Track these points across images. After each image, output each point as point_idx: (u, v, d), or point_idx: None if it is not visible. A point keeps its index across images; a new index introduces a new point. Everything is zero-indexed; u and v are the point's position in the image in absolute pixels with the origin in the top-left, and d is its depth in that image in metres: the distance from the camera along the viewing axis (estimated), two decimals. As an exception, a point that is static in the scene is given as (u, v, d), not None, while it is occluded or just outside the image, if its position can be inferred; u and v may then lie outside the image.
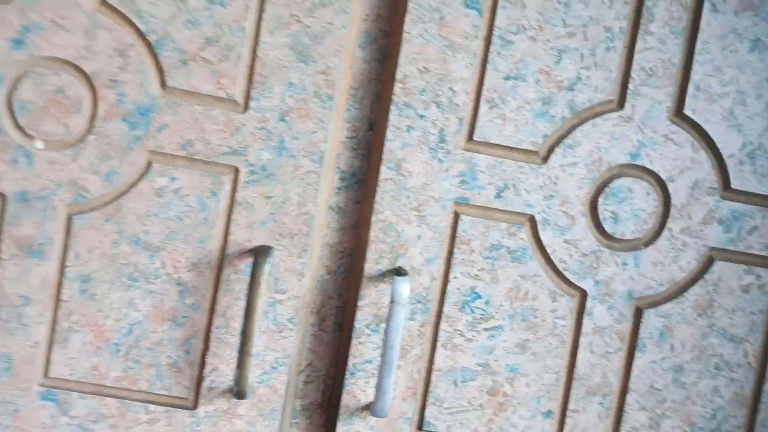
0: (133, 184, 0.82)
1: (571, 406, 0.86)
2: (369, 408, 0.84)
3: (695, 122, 0.83)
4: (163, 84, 0.81)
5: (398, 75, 0.82)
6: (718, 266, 0.85)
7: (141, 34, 0.81)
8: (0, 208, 0.82)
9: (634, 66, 0.83)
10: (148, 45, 0.81)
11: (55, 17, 0.80)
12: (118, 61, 0.81)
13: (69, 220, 0.82)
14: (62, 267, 0.82)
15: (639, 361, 0.86)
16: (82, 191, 0.81)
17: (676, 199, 0.84)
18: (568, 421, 0.87)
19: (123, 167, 0.81)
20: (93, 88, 0.81)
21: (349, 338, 0.84)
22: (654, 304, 0.86)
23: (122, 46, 0.81)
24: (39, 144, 0.82)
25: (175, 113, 0.81)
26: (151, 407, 0.84)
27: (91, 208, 0.82)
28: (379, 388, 0.80)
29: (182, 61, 0.81)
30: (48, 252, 0.82)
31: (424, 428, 0.85)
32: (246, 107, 0.81)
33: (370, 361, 0.84)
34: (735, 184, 0.84)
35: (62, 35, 0.80)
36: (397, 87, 0.82)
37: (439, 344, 0.84)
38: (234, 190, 0.82)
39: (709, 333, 0.86)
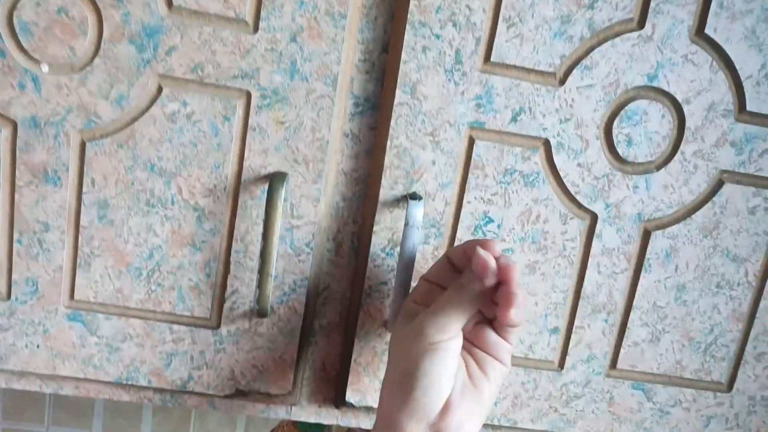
0: (145, 110, 0.67)
1: (577, 323, 0.76)
2: (384, 325, 0.73)
3: (716, 42, 0.68)
4: (170, 4, 0.65)
5: (413, -8, 0.65)
6: (727, 188, 0.72)
7: (142, -52, 0.63)
8: (11, 134, 0.67)
9: (659, -18, 0.66)
10: (151, -40, 0.64)
11: (49, -71, 0.62)
12: (120, -22, 0.64)
13: (82, 146, 0.68)
14: (79, 193, 0.69)
15: (644, 280, 0.75)
16: (93, 116, 0.67)
17: (691, 122, 0.70)
18: (574, 336, 0.76)
19: (133, 92, 0.66)
20: (96, 8, 0.65)
21: (365, 262, 0.72)
22: (662, 226, 0.73)
23: (123, -38, 0.64)
24: (45, 67, 0.66)
25: (183, 35, 0.65)
26: (176, 327, 0.73)
27: (104, 134, 0.68)
28: (394, 306, 0.68)
29: (187, -22, 0.64)
30: (63, 178, 0.68)
31: (437, 345, 0.74)
32: (256, 28, 0.65)
33: (384, 283, 0.72)
34: (750, 106, 0.70)
35: (59, -51, 0.63)
36: (413, 5, 0.65)
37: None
38: (247, 114, 0.68)
39: (713, 253, 0.74)
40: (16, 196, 0.71)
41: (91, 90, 0.69)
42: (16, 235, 0.72)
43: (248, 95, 0.70)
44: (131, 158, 0.71)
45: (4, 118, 0.69)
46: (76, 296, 0.74)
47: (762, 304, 0.79)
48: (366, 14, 0.70)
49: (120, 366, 0.76)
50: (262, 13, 0.68)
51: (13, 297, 0.73)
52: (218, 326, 0.76)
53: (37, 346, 0.75)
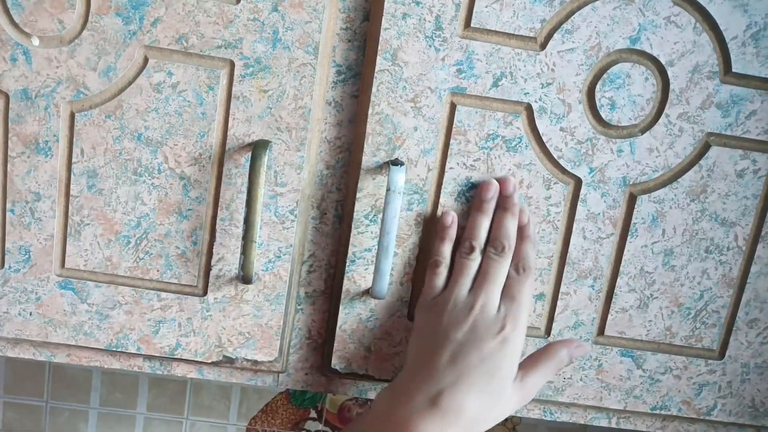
0: (131, 81, 0.69)
1: (563, 289, 0.76)
2: (368, 292, 0.74)
3: (698, 3, 0.68)
4: (153, -25, 0.67)
5: (392, -41, 0.66)
6: (714, 151, 0.72)
7: None
8: (4, 106, 0.70)
9: (638, -58, 0.66)
10: (135, -67, 0.66)
11: None
12: (105, -50, 0.66)
13: (72, 117, 0.70)
14: (69, 163, 0.71)
15: (630, 245, 0.75)
16: (82, 88, 0.69)
17: (675, 85, 0.70)
18: (560, 303, 0.76)
19: (120, 63, 0.68)
20: (83, -19, 0.67)
21: (348, 229, 0.73)
22: (647, 191, 0.73)
23: (108, -65, 0.66)
24: (36, 41, 0.69)
25: (167, 6, 0.67)
26: (163, 294, 0.75)
27: (92, 105, 0.70)
28: (377, 271, 0.70)
29: (170, -50, 0.66)
30: (54, 149, 0.71)
31: (422, 311, 0.75)
32: (238, -3, 0.67)
33: (369, 250, 0.73)
34: (736, 67, 0.70)
35: (46, -76, 0.65)
36: (391, -29, 0.66)
37: (434, 233, 0.73)
38: (230, 84, 0.69)
39: (701, 217, 0.73)
40: (9, 166, 0.73)
41: (79, 62, 0.71)
42: (8, 205, 0.74)
43: (231, 64, 0.71)
44: (119, 128, 0.73)
45: (-4, 91, 0.72)
46: (67, 264, 0.76)
47: (753, 269, 0.78)
48: (345, -19, 0.71)
49: (110, 333, 0.78)
50: (243, -18, 0.69)
51: (6, 265, 0.76)
52: (205, 293, 0.77)
53: (30, 314, 0.77)
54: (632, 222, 0.77)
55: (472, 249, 0.73)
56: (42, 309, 0.78)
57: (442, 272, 0.74)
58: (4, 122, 0.73)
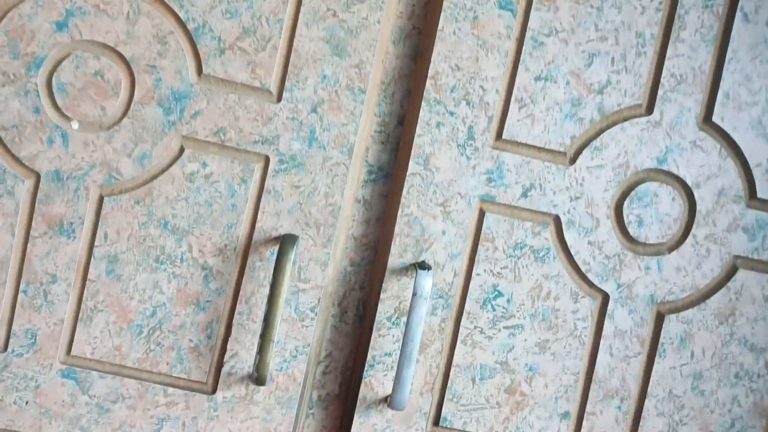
0: (165, 168, 0.70)
1: (589, 408, 0.73)
2: (386, 401, 0.71)
3: (723, 130, 0.71)
4: (200, 71, 0.69)
5: (430, 72, 0.70)
6: (741, 274, 0.72)
7: (181, 22, 0.69)
8: (33, 186, 0.70)
9: (664, 72, 0.70)
10: (187, 33, 0.69)
11: (99, 2, 0.70)
12: (157, 47, 0.69)
13: (100, 200, 0.70)
14: (91, 246, 0.70)
15: (658, 366, 0.73)
16: (115, 173, 0.69)
17: (702, 206, 0.71)
18: (585, 423, 0.73)
19: (156, 151, 0.69)
20: (131, 73, 0.70)
21: (369, 330, 0.71)
22: (675, 310, 0.72)
23: (162, 33, 0.69)
24: (75, 124, 0.70)
25: (209, 100, 0.69)
26: (170, 390, 0.71)
27: (123, 190, 0.70)
28: (398, 380, 0.67)
29: (219, 50, 0.69)
30: (78, 231, 0.70)
31: (441, 424, 0.72)
32: (279, 97, 0.70)
33: (389, 354, 0.71)
34: (761, 193, 0.72)
35: (104, 20, 0.69)
36: (429, 83, 0.70)
37: (459, 340, 0.72)
38: (263, 178, 0.70)
39: (730, 341, 0.72)
40: (29, 246, 0.72)
41: (116, 148, 0.72)
42: (22, 286, 0.73)
43: (267, 160, 0.73)
44: (146, 215, 0.73)
45: (28, 170, 0.72)
46: (73, 351, 0.74)
47: (785, 399, 0.75)
48: (384, 90, 0.75)
49: (108, 429, 0.73)
50: (287, 84, 0.72)
51: (9, 349, 0.73)
52: (214, 391, 0.74)
53: (26, 403, 0.73)
54: (660, 342, 0.75)
55: None
56: (40, 398, 0.74)
57: None
58: (32, 202, 0.73)
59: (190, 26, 0.73)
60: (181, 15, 0.73)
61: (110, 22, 0.73)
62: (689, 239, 0.76)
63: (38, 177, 0.73)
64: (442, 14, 0.73)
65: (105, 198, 0.74)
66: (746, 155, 0.75)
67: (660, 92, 0.75)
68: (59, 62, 0.73)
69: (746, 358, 0.77)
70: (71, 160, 0.74)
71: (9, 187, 0.73)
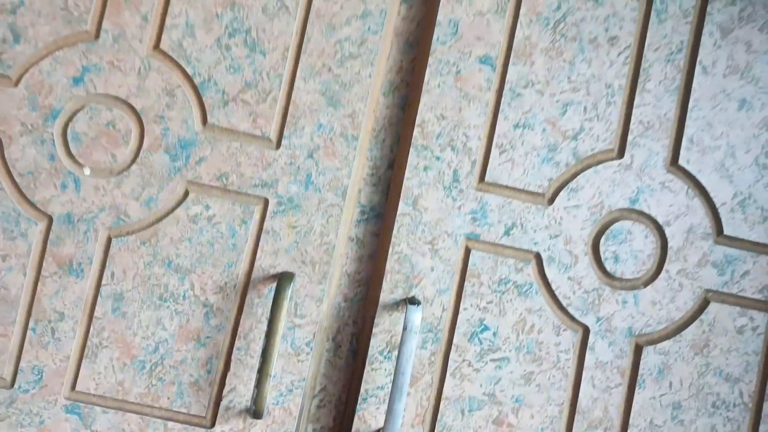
0: (170, 211, 0.75)
1: (575, 438, 0.75)
2: (380, 432, 0.74)
3: (689, 172, 0.77)
4: (205, 121, 0.75)
5: (417, 120, 0.75)
6: (714, 307, 0.76)
7: (188, 77, 0.75)
8: (45, 228, 0.74)
9: (633, 119, 0.77)
10: (194, 86, 0.75)
11: (113, 59, 0.75)
12: (165, 99, 0.75)
13: (108, 241, 0.74)
14: (98, 285, 0.74)
15: (639, 396, 0.76)
16: (123, 215, 0.74)
17: (673, 243, 0.76)
18: (572, 453, 0.75)
19: (162, 195, 0.74)
20: (141, 123, 0.75)
21: (362, 364, 0.74)
22: (652, 342, 0.76)
23: (170, 87, 0.75)
24: (87, 170, 0.75)
25: (213, 147, 0.75)
26: (170, 424, 0.74)
27: (130, 231, 0.75)
28: (390, 413, 0.70)
29: (223, 102, 0.75)
30: (86, 271, 0.74)
31: (432, 455, 0.74)
32: (278, 144, 0.75)
33: (381, 388, 0.74)
34: (728, 230, 0.76)
35: (117, 75, 0.75)
36: (416, 131, 0.75)
37: (448, 373, 0.75)
38: (263, 219, 0.75)
39: (706, 371, 0.76)
40: (39, 285, 0.76)
41: (124, 192, 0.77)
42: (31, 323, 0.76)
43: (266, 202, 0.78)
44: (151, 254, 0.77)
45: (41, 213, 0.77)
46: (78, 387, 0.76)
47: (762, 428, 0.79)
48: (375, 136, 0.80)
49: (110, 463, 0.75)
50: (285, 133, 0.78)
51: (16, 385, 0.76)
52: (213, 425, 0.76)
53: (31, 438, 0.75)
54: (639, 373, 0.79)
55: None
56: (44, 432, 0.76)
57: None
58: (43, 243, 0.78)
59: (197, 80, 0.80)
60: (189, 70, 0.80)
61: (123, 77, 0.79)
62: (663, 274, 0.81)
63: (50, 220, 0.78)
64: (428, 69, 0.80)
65: (113, 239, 0.79)
66: (712, 195, 0.81)
67: (630, 137, 0.81)
68: (74, 113, 0.79)
69: (722, 387, 0.81)
70: (82, 204, 0.78)
71: (23, 229, 0.77)
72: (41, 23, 0.78)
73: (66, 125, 0.79)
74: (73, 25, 0.79)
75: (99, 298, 0.78)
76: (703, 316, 0.81)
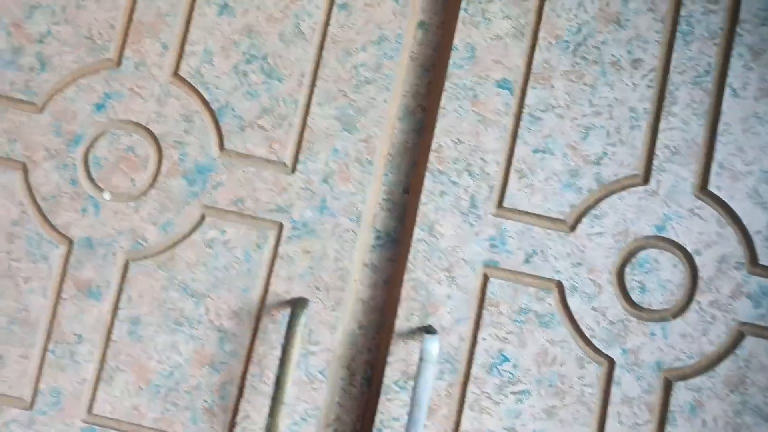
0: (187, 235, 0.75)
1: (599, 478, 0.72)
2: (393, 466, 0.71)
3: (720, 198, 0.73)
4: (222, 146, 0.76)
5: (434, 145, 0.74)
6: (749, 341, 0.72)
7: (206, 103, 0.76)
8: (66, 251, 0.75)
9: (659, 144, 0.74)
10: (211, 112, 0.76)
11: (134, 86, 0.77)
12: (183, 125, 0.76)
13: (126, 265, 0.75)
14: (115, 309, 0.75)
15: (669, 435, 0.72)
16: (141, 240, 0.75)
17: (704, 272, 0.72)
18: (596, 494, 0.72)
19: (179, 219, 0.75)
20: (159, 148, 0.76)
21: (377, 394, 0.73)
22: (684, 377, 0.72)
23: (188, 113, 0.76)
24: (107, 195, 0.76)
25: (230, 172, 0.75)
26: (183, 451, 0.73)
27: (147, 255, 0.75)
28: (404, 445, 0.67)
29: (240, 127, 0.76)
30: (104, 294, 0.75)
31: (448, 491, 0.71)
32: (294, 169, 0.75)
33: (397, 419, 0.72)
34: (762, 260, 0.72)
35: (138, 102, 0.76)
36: (432, 156, 0.74)
37: (466, 405, 0.73)
38: (277, 244, 0.75)
39: (743, 410, 0.71)
40: (59, 308, 0.77)
41: (143, 216, 0.78)
42: (50, 345, 0.77)
43: (280, 227, 0.77)
44: (167, 279, 0.77)
45: (63, 237, 0.78)
46: (95, 410, 0.77)
47: (804, 472, 0.73)
48: (390, 161, 0.80)
49: (122, 489, 0.75)
50: (300, 158, 0.78)
51: (35, 407, 0.76)
52: (225, 453, 0.75)
53: (46, 461, 0.76)
54: (670, 409, 0.75)
55: None
56: (59, 456, 0.77)
57: None
58: (64, 266, 0.79)
59: (214, 106, 0.81)
60: (206, 96, 0.81)
61: (143, 103, 0.81)
62: (693, 305, 0.77)
63: (71, 243, 0.80)
64: (444, 93, 0.79)
65: (131, 263, 0.80)
66: (745, 223, 0.77)
67: (655, 162, 0.78)
68: (96, 139, 0.81)
69: (761, 429, 0.76)
70: (102, 228, 0.80)
71: (44, 252, 0.79)
72: (66, 51, 0.81)
73: (87, 150, 0.80)
74: (96, 53, 0.81)
75: (116, 321, 0.79)
76: (738, 351, 0.76)
